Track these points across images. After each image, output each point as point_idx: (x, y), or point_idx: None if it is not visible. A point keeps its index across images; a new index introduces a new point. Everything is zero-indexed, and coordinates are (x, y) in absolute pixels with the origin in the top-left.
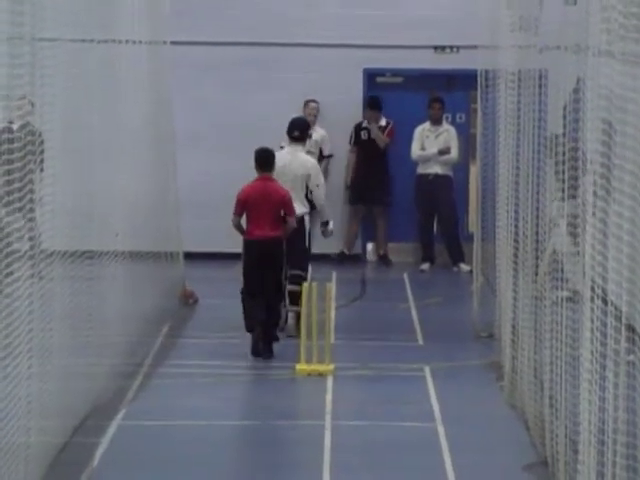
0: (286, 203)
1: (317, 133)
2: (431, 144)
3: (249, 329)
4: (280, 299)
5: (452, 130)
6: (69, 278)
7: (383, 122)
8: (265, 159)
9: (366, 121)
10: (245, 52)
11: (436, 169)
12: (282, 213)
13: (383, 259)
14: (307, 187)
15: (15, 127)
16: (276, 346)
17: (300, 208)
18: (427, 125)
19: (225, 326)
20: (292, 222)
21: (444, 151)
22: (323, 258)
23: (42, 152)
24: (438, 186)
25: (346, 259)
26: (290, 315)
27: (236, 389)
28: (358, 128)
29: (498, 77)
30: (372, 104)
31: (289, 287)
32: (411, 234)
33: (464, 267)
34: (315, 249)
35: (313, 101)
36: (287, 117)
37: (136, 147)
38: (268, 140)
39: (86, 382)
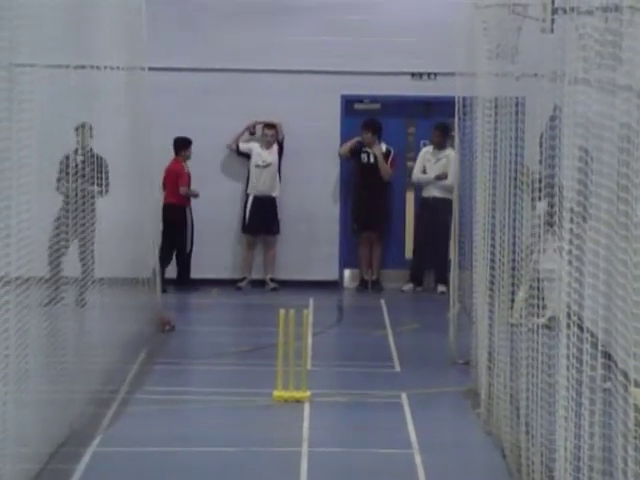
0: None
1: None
2: (431, 168)
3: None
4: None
5: (452, 155)
6: (45, 304)
7: (383, 148)
8: (177, 145)
9: (362, 143)
10: (223, 78)
11: (435, 193)
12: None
13: (375, 285)
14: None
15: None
16: (253, 373)
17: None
18: (430, 149)
19: (202, 353)
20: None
21: (441, 177)
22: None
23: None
24: (437, 209)
25: (366, 286)
26: None
27: (212, 416)
28: (359, 150)
29: (475, 104)
30: (369, 125)
31: None
32: (398, 261)
33: (440, 287)
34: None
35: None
36: None
37: (114, 173)
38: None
39: (62, 409)
